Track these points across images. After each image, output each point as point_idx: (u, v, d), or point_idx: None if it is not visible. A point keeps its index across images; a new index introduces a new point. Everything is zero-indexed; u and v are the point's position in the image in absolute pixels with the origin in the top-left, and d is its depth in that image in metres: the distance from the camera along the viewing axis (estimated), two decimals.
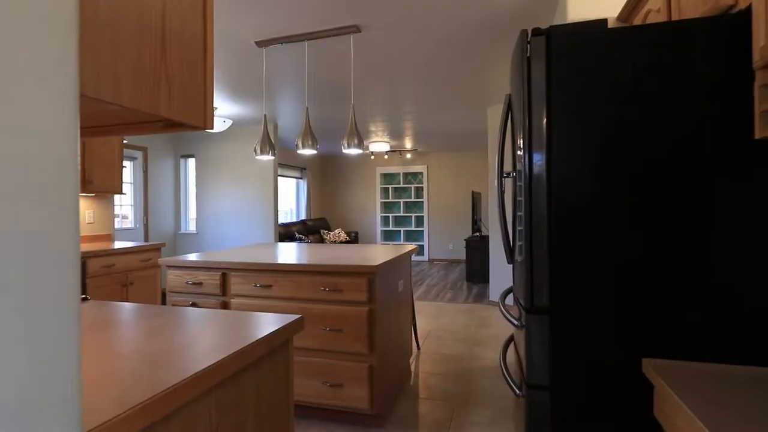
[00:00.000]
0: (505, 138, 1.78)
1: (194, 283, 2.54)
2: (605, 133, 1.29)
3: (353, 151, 2.89)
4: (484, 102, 5.01)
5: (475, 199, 7.08)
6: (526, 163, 1.38)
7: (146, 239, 5.94)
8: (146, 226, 5.95)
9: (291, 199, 9.17)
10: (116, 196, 5.54)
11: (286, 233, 7.39)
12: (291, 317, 1.14)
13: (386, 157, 9.29)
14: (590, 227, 1.30)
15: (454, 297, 5.65)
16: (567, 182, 1.32)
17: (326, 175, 10.14)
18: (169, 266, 2.60)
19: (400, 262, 2.82)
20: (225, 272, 2.51)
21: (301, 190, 9.22)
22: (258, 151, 3.07)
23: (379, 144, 7.73)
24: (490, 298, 5.28)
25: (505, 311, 1.68)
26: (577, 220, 1.32)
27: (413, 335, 3.71)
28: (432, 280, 7.00)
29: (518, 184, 1.63)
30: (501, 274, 5.11)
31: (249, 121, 5.88)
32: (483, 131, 6.71)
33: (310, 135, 2.93)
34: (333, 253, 2.81)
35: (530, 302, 1.36)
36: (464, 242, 9.01)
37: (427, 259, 9.37)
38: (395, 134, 7.06)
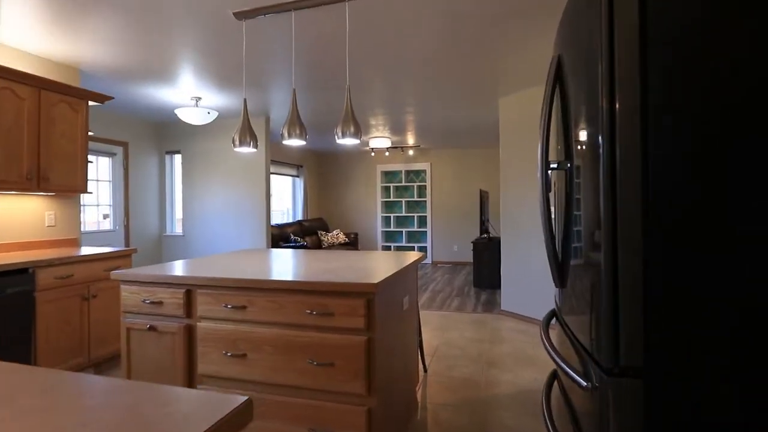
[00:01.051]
0: (551, 118, 1.31)
1: (153, 302, 2.07)
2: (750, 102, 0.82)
3: (349, 142, 2.42)
4: (495, 92, 4.53)
5: (483, 198, 6.61)
6: (604, 146, 0.91)
7: (127, 243, 5.47)
8: (127, 228, 5.49)
9: (287, 198, 8.70)
10: (93, 196, 5.07)
11: (280, 235, 6.92)
12: (228, 402, 0.67)
13: (387, 153, 8.81)
14: (722, 241, 0.83)
15: (461, 305, 5.18)
16: (675, 175, 0.85)
17: (324, 173, 9.66)
18: (123, 281, 2.13)
19: (406, 274, 2.34)
20: (190, 289, 2.04)
21: (298, 189, 8.75)
22: (237, 142, 2.60)
23: (380, 139, 7.25)
24: (502, 307, 4.80)
25: (555, 354, 1.21)
26: (697, 231, 0.84)
27: (419, 355, 3.24)
28: (437, 285, 6.53)
29: (576, 180, 1.16)
30: (515, 281, 4.64)
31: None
32: (492, 125, 6.23)
33: (297, 123, 2.46)
34: (325, 263, 2.34)
35: (612, 358, 0.89)
36: (471, 244, 8.55)
37: (430, 262, 8.90)
38: (396, 129, 6.58)
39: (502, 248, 4.81)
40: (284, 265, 2.33)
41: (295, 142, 2.52)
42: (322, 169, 9.67)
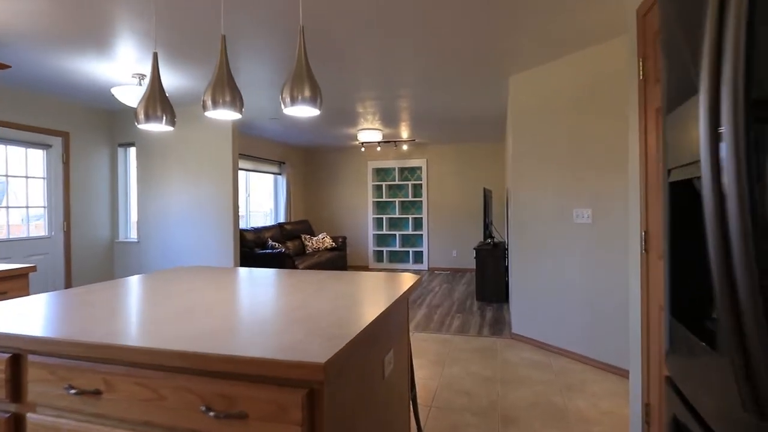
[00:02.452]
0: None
1: None
2: None
3: (302, 111, 1.59)
4: (505, 69, 3.71)
5: (487, 198, 5.78)
6: None
7: (67, 251, 4.61)
8: (68, 233, 4.62)
9: (268, 199, 7.85)
10: (19, 195, 4.20)
11: (256, 240, 6.07)
12: None
13: (379, 149, 7.98)
14: None
15: (464, 325, 4.35)
16: None
17: (310, 171, 8.81)
18: None
19: (391, 317, 1.51)
20: (19, 355, 1.20)
21: (280, 189, 7.89)
22: (141, 117, 1.75)
23: (370, 132, 6.41)
24: (513, 330, 3.98)
25: None
26: None
27: (411, 410, 2.41)
28: (434, 297, 5.70)
29: None
30: (527, 297, 3.81)
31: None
32: (497, 115, 5.41)
33: (226, 85, 1.62)
34: (267, 295, 1.50)
35: None
36: (472, 250, 7.74)
37: (426, 268, 8.07)
38: (389, 119, 5.75)
39: (511, 257, 3.99)
40: (208, 300, 1.49)
41: (224, 115, 1.68)
42: (307, 167, 8.82)
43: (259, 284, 1.87)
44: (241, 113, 1.71)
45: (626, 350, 3.06)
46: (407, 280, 1.90)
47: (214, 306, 1.46)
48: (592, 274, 3.31)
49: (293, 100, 1.53)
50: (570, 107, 3.46)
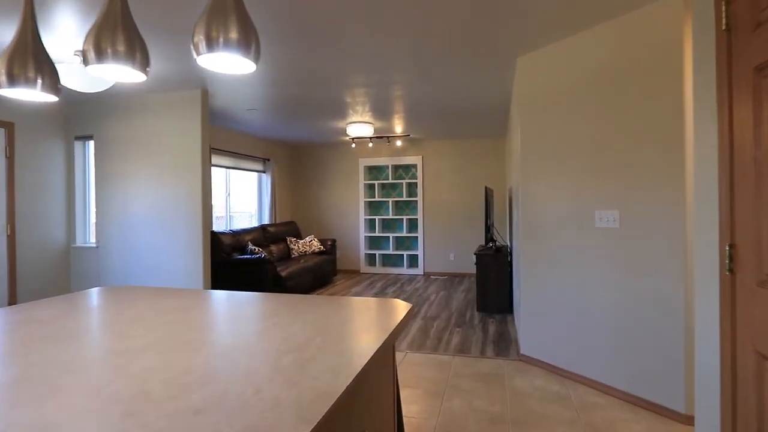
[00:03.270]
0: None
1: None
2: None
3: (224, 63, 1.04)
4: (512, 48, 3.17)
5: (489, 198, 5.26)
6: None
7: (11, 258, 4.03)
8: (11, 237, 4.04)
9: (252, 199, 7.29)
10: None
11: (234, 244, 5.50)
12: None
13: (371, 145, 7.43)
14: None
15: (464, 342, 3.81)
16: None
17: (297, 169, 8.25)
18: None
19: (366, 382, 0.97)
20: None
21: (264, 188, 7.33)
22: (2, 79, 1.20)
23: (360, 126, 5.86)
24: (522, 351, 3.44)
25: None
26: None
27: None
28: (430, 307, 5.15)
29: None
30: (538, 312, 3.27)
31: (173, 83, 4.00)
32: (500, 104, 4.87)
33: (119, 26, 1.07)
34: (165, 347, 0.96)
35: None
36: (472, 254, 7.23)
37: (422, 273, 7.53)
38: (380, 110, 5.20)
39: (521, 267, 3.45)
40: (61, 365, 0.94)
41: (117, 72, 1.12)
42: (294, 165, 8.25)
43: (172, 322, 1.32)
44: (145, 73, 1.15)
45: (665, 383, 2.53)
46: (395, 311, 1.36)
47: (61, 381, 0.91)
48: (619, 288, 2.78)
49: (212, 43, 0.98)
50: (591, 91, 2.92)
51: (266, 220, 7.22)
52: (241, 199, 7.06)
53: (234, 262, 5.15)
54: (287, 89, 4.16)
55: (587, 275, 2.96)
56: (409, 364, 3.32)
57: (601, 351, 2.87)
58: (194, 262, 4.16)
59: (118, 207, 4.43)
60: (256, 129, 6.29)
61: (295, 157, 8.23)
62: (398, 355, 3.56)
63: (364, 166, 7.85)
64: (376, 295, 5.93)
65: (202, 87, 4.08)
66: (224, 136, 6.19)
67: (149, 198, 4.31)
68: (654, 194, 2.59)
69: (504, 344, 3.78)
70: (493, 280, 4.90)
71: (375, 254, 7.89)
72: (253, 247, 5.55)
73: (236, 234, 5.66)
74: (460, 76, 3.85)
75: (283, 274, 5.35)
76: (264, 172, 7.29)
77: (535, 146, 3.25)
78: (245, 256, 5.14)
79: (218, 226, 6.39)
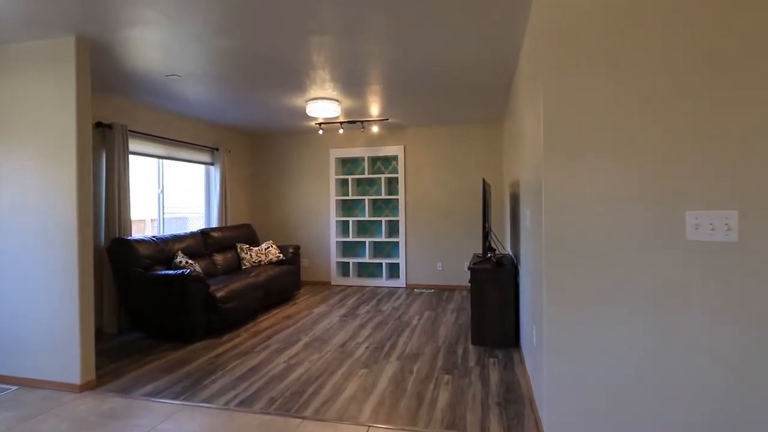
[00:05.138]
0: None
1: None
2: None
3: None
4: None
5: (487, 195, 4.05)
6: None
7: None
8: None
9: (198, 196, 5.99)
10: None
11: (157, 255, 4.22)
12: None
13: (342, 131, 6.18)
14: None
15: (455, 404, 2.60)
16: None
17: (256, 162, 6.97)
18: None
19: None
20: None
21: (213, 184, 6.04)
22: None
23: (324, 104, 4.61)
24: (546, 427, 2.22)
25: None
26: None
27: None
28: (411, 337, 3.93)
29: None
30: (578, 372, 2.05)
31: (22, 24, 2.71)
32: (501, 71, 3.66)
33: None
34: None
35: None
36: (464, 265, 6.00)
37: (404, 286, 6.31)
38: (350, 80, 3.96)
39: (545, 302, 2.23)
40: None
41: None
42: (252, 156, 6.97)
43: None
44: None
45: None
46: None
47: None
48: (735, 346, 1.60)
49: None
50: (689, 13, 1.73)
51: (215, 223, 5.93)
52: (187, 198, 5.77)
53: (148, 281, 3.87)
54: (217, 40, 2.90)
55: (670, 321, 1.77)
56: None
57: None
58: (66, 285, 2.87)
59: None
60: (199, 110, 5.00)
61: (253, 148, 6.94)
62: (357, 431, 2.33)
63: (336, 158, 6.60)
64: (344, 316, 4.69)
65: (77, 32, 2.80)
66: (152, 118, 4.89)
67: (6, 195, 3.01)
68: None
69: (514, 407, 2.57)
70: (492, 303, 3.70)
71: (348, 263, 6.65)
72: (182, 259, 4.26)
73: (162, 242, 4.38)
74: (451, 29, 2.63)
75: (219, 294, 4.08)
76: (212, 164, 6.00)
77: (569, 115, 2.03)
78: (163, 272, 3.86)
79: (154, 232, 5.09)
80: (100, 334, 4.10)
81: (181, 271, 3.81)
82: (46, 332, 2.90)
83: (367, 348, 3.68)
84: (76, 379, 2.85)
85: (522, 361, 3.30)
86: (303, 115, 5.38)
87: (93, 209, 4.12)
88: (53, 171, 2.90)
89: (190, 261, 4.31)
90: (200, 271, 4.05)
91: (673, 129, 1.82)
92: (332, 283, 6.57)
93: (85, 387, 2.87)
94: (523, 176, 3.21)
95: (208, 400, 2.71)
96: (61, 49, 2.87)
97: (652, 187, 1.85)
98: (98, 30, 2.75)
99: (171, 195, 5.46)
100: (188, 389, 2.88)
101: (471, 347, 3.68)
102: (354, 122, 5.75)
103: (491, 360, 3.37)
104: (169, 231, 5.29)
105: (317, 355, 3.52)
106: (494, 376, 3.04)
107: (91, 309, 2.94)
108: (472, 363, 3.31)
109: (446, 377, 3.04)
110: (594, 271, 1.96)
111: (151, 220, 5.26)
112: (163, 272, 3.86)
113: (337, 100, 4.68)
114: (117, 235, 4.17)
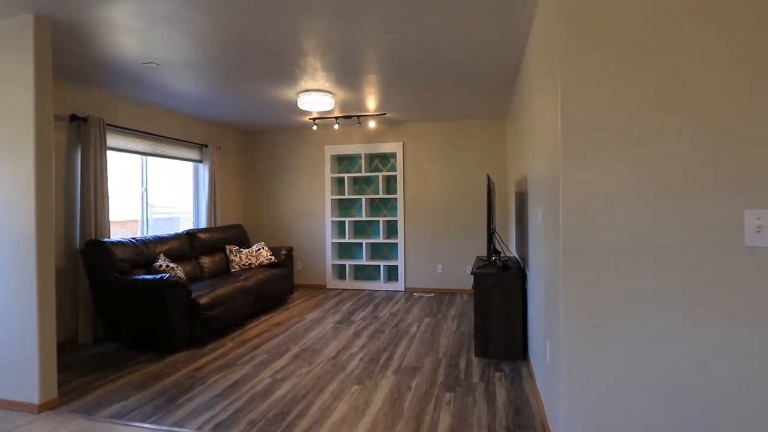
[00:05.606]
0: None
1: None
2: None
3: None
4: None
5: (491, 194, 3.75)
6: None
7: None
8: None
9: (186, 196, 5.69)
10: None
11: (138, 260, 3.92)
12: None
13: (337, 127, 5.88)
14: None
15: (459, 419, 2.30)
16: None
17: (248, 160, 6.67)
18: None
19: None
20: None
21: (202, 182, 5.74)
22: None
23: (317, 97, 4.31)
24: None
25: None
26: None
27: None
28: (409, 348, 3.63)
29: None
30: (607, 398, 1.75)
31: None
32: (509, 58, 3.36)
33: None
34: None
35: None
36: (466, 268, 5.67)
37: (402, 289, 6.01)
38: (344, 70, 3.66)
39: (565, 300, 1.93)
40: None
41: None
42: (244, 154, 6.67)
43: None
44: None
45: None
46: None
47: None
48: None
49: None
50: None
51: (204, 224, 5.63)
52: (177, 198, 5.47)
53: (125, 286, 3.57)
54: (193, 20, 2.60)
55: (718, 344, 1.47)
56: None
57: None
58: (23, 290, 2.57)
59: None
60: (185, 103, 4.71)
61: (244, 144, 6.64)
62: None
63: (331, 156, 6.30)
64: (338, 323, 4.39)
65: (35, 10, 2.50)
66: (134, 111, 4.59)
67: None
68: None
69: (523, 426, 2.27)
70: (497, 311, 3.39)
71: (344, 265, 6.35)
72: (163, 263, 3.96)
73: (142, 244, 4.08)
74: (456, 15, 2.33)
75: (203, 300, 3.78)
76: (201, 162, 5.70)
77: (592, 100, 1.72)
78: (140, 277, 3.56)
79: (134, 233, 4.80)
80: (73, 345, 3.81)
81: (159, 276, 3.51)
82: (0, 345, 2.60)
83: (361, 360, 3.38)
84: (34, 398, 2.55)
85: (531, 375, 2.99)
86: (295, 110, 5.08)
87: (67, 209, 3.84)
88: (7, 166, 2.60)
89: (172, 265, 4.01)
90: (182, 275, 3.75)
91: (713, 117, 1.52)
92: (327, 287, 6.27)
93: (45, 407, 2.57)
94: (532, 172, 2.91)
95: (179, 423, 2.40)
96: (17, 29, 2.57)
97: (696, 183, 1.55)
98: (59, 7, 2.45)
99: (160, 195, 5.16)
100: (160, 409, 2.58)
101: (474, 359, 3.37)
102: (350, 117, 5.45)
103: (497, 374, 3.07)
104: (160, 232, 4.99)
105: (306, 368, 3.22)
106: (501, 394, 2.74)
107: (52, 319, 2.64)
108: (476, 378, 3.01)
109: (448, 395, 2.74)
110: (623, 277, 1.66)
111: (133, 220, 4.97)
112: (140, 277, 3.57)
113: (331, 93, 4.38)
114: (93, 237, 3.87)
